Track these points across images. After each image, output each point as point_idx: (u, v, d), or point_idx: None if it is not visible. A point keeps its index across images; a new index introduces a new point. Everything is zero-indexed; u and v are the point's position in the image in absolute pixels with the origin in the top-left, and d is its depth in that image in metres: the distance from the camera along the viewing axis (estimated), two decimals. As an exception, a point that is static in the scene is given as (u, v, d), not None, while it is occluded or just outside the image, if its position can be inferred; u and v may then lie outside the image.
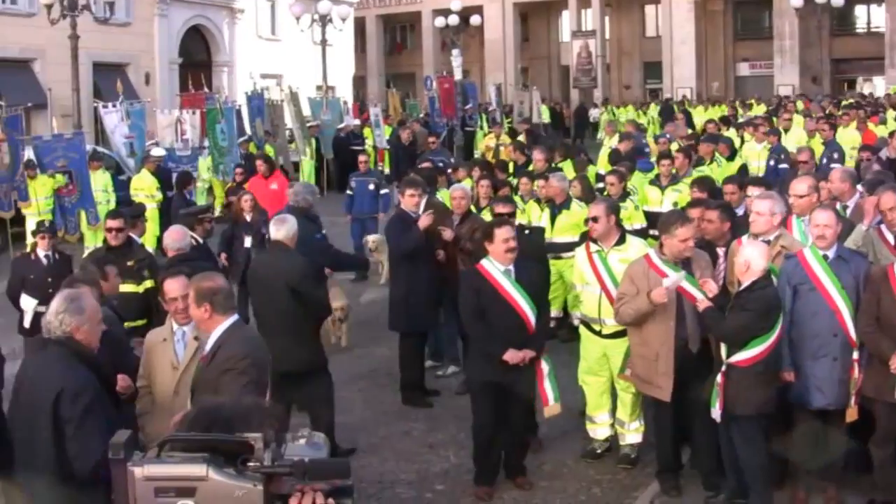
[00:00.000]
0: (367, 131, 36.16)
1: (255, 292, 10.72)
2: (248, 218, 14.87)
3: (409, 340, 12.30)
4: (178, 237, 10.69)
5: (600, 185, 16.61)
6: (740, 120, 29.90)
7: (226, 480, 2.84)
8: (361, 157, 20.95)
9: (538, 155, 18.27)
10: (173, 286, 7.43)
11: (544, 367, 9.37)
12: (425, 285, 12.01)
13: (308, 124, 32.96)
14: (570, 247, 12.66)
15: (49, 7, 27.33)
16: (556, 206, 13.88)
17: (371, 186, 19.52)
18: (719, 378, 8.43)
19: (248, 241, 14.52)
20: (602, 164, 19.49)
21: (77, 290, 6.95)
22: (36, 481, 6.28)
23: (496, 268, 9.28)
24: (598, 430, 10.23)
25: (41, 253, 12.06)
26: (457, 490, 9.61)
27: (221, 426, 3.05)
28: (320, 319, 10.85)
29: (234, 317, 6.87)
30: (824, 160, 18.37)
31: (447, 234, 12.19)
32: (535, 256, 10.20)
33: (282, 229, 10.51)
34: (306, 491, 2.90)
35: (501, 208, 11.88)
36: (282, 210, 12.83)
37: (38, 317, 11.35)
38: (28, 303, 11.58)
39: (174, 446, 2.95)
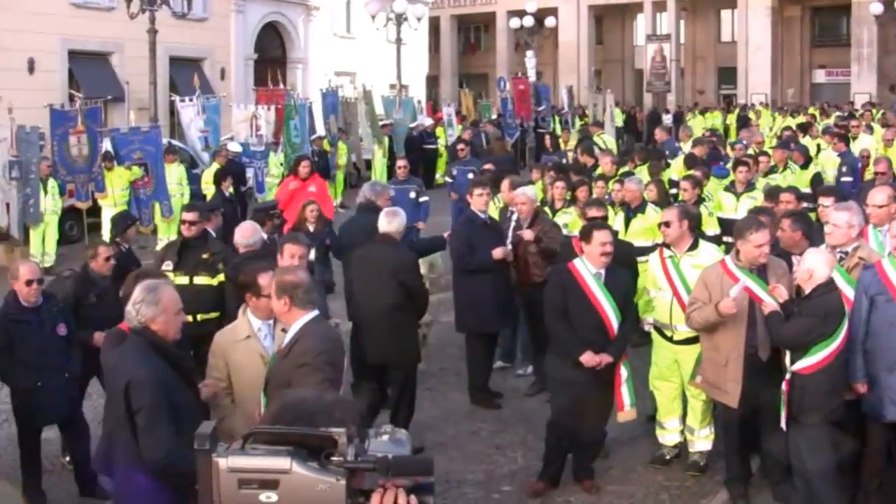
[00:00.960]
0: (439, 131, 36.23)
1: (359, 284, 10.82)
2: (312, 228, 13.91)
3: (476, 341, 12.31)
4: (248, 234, 10.67)
5: (674, 190, 16.52)
6: (820, 128, 29.53)
7: (309, 474, 2.85)
8: (400, 163, 20.16)
9: (605, 159, 18.25)
10: (266, 281, 7.42)
11: (623, 372, 9.35)
12: (491, 287, 11.99)
13: (381, 122, 33.04)
14: (642, 251, 12.60)
15: (128, 2, 27.59)
16: (631, 210, 13.77)
17: (412, 195, 18.76)
18: (784, 385, 8.36)
19: (311, 254, 13.72)
20: (676, 170, 19.34)
21: (156, 280, 7.03)
22: (121, 469, 6.41)
23: (588, 269, 9.26)
24: (668, 436, 10.18)
25: (127, 244, 12.13)
26: (524, 492, 9.59)
27: (305, 420, 3.07)
28: (420, 315, 10.99)
29: (314, 312, 6.88)
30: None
31: (528, 234, 12.21)
32: (622, 262, 10.15)
33: (393, 222, 10.60)
34: (388, 487, 2.91)
35: (595, 212, 11.79)
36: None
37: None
38: None
39: (258, 439, 2.96)
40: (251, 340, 7.48)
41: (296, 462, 2.85)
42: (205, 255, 10.64)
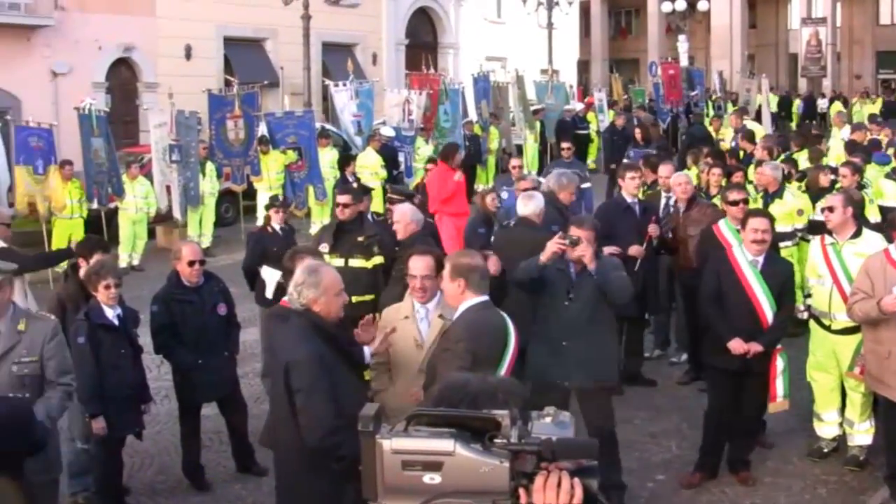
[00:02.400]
0: (590, 116, 36.00)
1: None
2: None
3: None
4: (408, 216, 10.76)
5: (832, 177, 16.18)
6: None
7: (472, 456, 2.84)
8: (514, 162, 18.78)
9: (760, 144, 18.03)
10: (415, 264, 7.44)
11: (779, 363, 9.16)
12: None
13: (533, 108, 32.95)
14: (781, 237, 12.37)
15: (282, -12, 28.08)
16: (769, 195, 13.56)
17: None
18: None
19: None
20: (835, 156, 18.95)
21: (317, 262, 7.13)
22: (283, 447, 6.53)
23: (744, 256, 9.14)
24: (826, 428, 9.95)
25: (277, 225, 12.40)
26: (678, 481, 9.50)
27: (468, 402, 3.06)
28: None
29: (481, 298, 6.86)
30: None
31: (653, 229, 12.07)
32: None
33: (529, 205, 10.59)
34: (552, 470, 2.88)
35: (735, 195, 11.56)
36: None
37: (280, 287, 11.72)
38: (271, 274, 11.89)
39: (421, 421, 2.97)
40: (408, 321, 7.51)
41: (459, 444, 2.84)
42: (360, 238, 10.69)
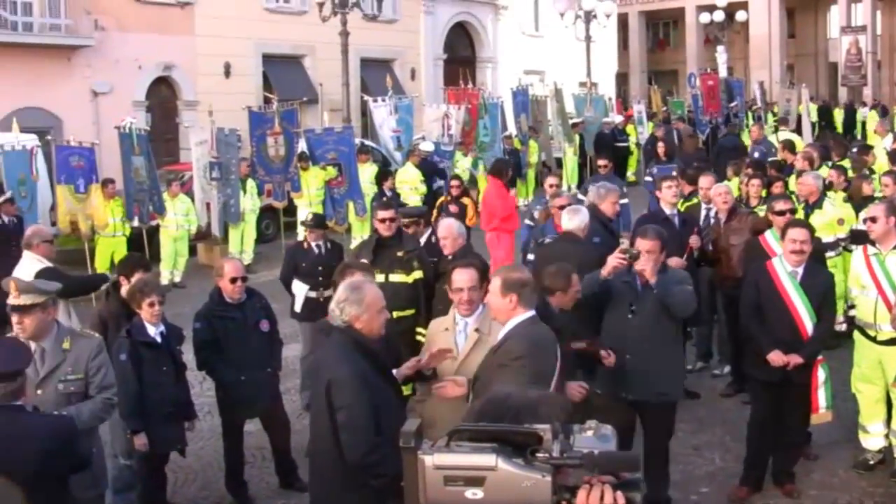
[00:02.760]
0: (630, 128, 35.90)
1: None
2: None
3: None
4: (453, 231, 10.77)
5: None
6: None
7: (515, 471, 2.84)
8: (550, 180, 16.92)
9: (801, 154, 17.96)
10: (459, 277, 7.43)
11: (821, 374, 9.08)
12: None
13: (572, 121, 32.88)
14: (825, 247, 12.28)
15: (321, 5, 28.08)
16: (809, 206, 13.48)
17: None
18: None
19: None
20: (877, 166, 18.79)
21: (360, 279, 7.14)
22: (321, 464, 6.53)
23: (784, 267, 9.07)
24: (872, 440, 9.85)
25: (312, 243, 12.45)
26: (722, 493, 9.42)
27: (510, 417, 3.06)
28: None
29: (530, 313, 6.80)
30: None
31: (694, 241, 12.03)
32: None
33: (574, 219, 10.55)
34: (594, 483, 2.87)
35: (782, 205, 11.48)
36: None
37: (308, 302, 11.78)
38: (300, 288, 12.05)
39: (463, 436, 2.96)
40: (448, 334, 7.48)
41: (501, 459, 2.84)
42: (399, 253, 10.70)
